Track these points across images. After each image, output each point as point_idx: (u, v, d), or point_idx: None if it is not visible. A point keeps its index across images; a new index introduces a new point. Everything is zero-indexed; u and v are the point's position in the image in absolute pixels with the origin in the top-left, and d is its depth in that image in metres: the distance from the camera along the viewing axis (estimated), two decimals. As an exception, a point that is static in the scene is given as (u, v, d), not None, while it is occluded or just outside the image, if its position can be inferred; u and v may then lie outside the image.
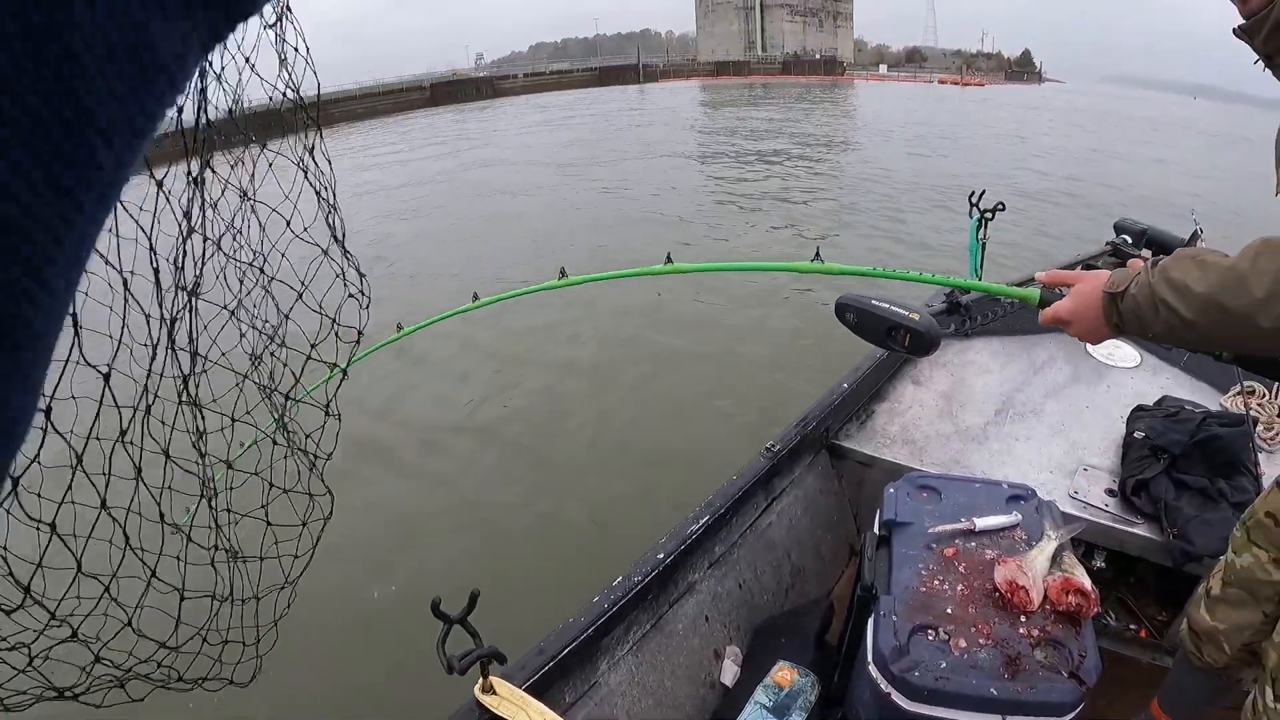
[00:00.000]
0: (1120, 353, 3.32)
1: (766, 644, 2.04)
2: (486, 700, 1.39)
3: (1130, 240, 3.27)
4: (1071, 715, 1.43)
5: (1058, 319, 1.27)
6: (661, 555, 1.91)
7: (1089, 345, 3.37)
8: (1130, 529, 2.22)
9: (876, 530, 1.80)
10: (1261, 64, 1.19)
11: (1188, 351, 3.14)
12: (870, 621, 1.60)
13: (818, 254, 1.59)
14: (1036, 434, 2.70)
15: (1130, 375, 3.16)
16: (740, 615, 2.14)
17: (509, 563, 3.66)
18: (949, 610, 1.55)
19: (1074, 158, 20.03)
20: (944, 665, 1.44)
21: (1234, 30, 1.17)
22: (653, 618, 1.89)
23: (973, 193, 2.10)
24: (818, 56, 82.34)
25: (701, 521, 2.04)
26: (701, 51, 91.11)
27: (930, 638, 1.50)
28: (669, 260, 1.70)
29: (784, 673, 1.85)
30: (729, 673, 2.00)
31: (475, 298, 2.04)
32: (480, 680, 1.41)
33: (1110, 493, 2.37)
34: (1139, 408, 2.69)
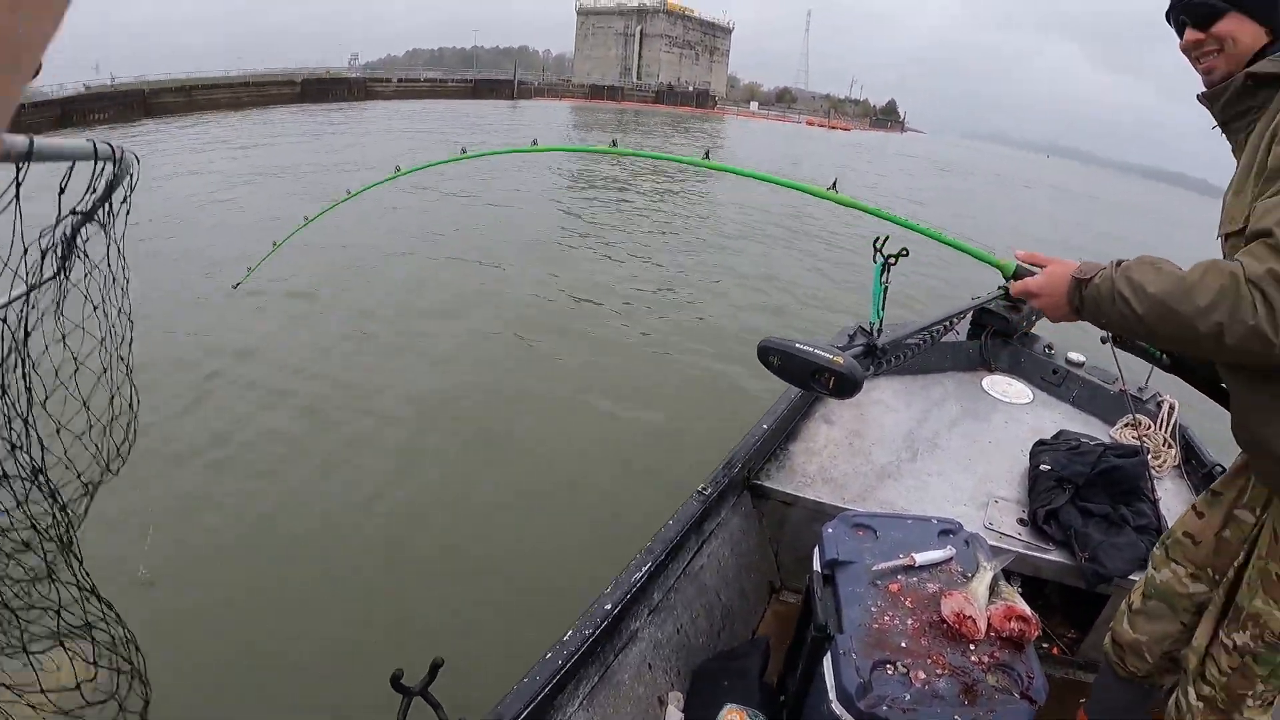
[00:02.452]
0: (1014, 390, 3.57)
1: (706, 687, 2.03)
2: None
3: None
4: None
5: (1027, 291, 1.48)
6: (609, 606, 1.88)
7: (983, 382, 3.61)
8: (1044, 555, 2.37)
9: (818, 569, 1.83)
10: (1218, 129, 1.46)
11: (1122, 348, 3.48)
12: (827, 660, 1.61)
13: (834, 185, 1.84)
14: (946, 469, 2.85)
15: (1025, 411, 3.39)
16: (679, 660, 2.14)
17: (434, 611, 3.43)
18: (903, 644, 1.60)
19: (943, 204, 21.69)
20: (908, 698, 1.47)
21: (1197, 97, 1.44)
22: (600, 670, 1.85)
23: (877, 238, 2.26)
24: (690, 89, 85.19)
25: (644, 569, 2.03)
26: (578, 73, 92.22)
27: (890, 672, 1.53)
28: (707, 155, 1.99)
29: (733, 715, 1.85)
30: (673, 719, 1.96)
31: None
32: None
33: (1021, 522, 2.53)
34: (1040, 442, 2.89)
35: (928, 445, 3.01)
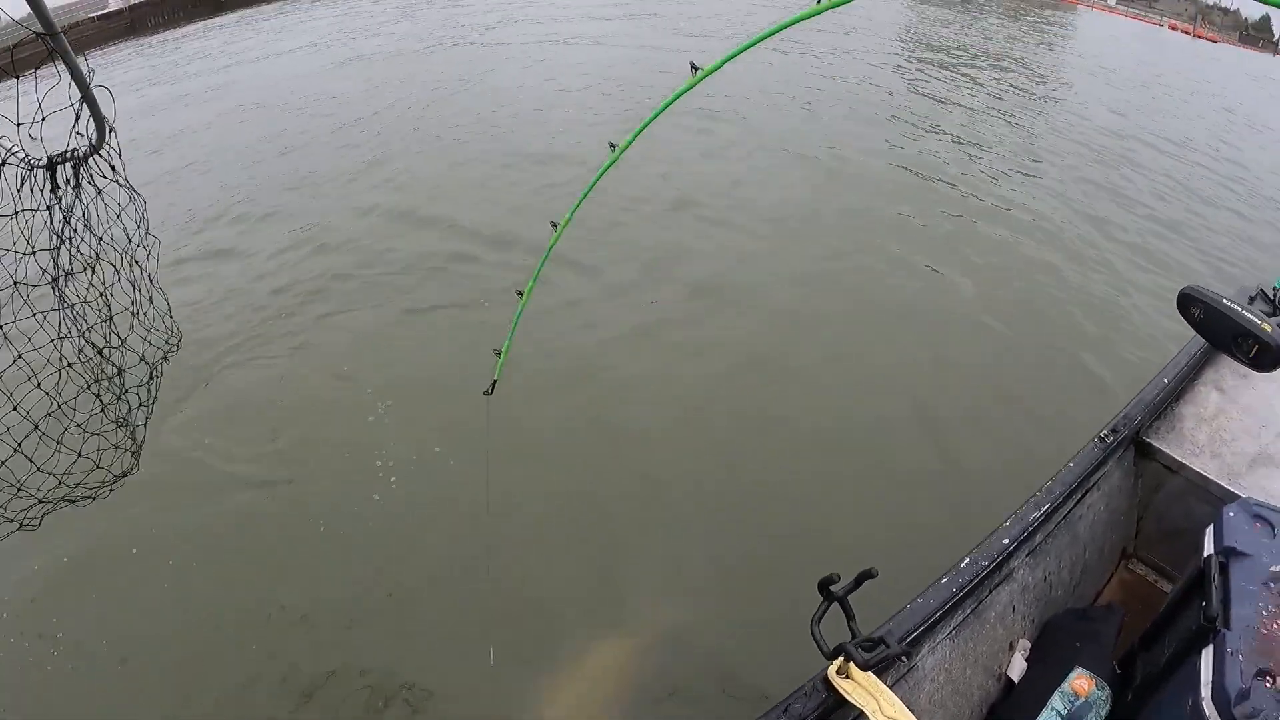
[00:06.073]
0: None
1: (1058, 642, 2.01)
2: (842, 685, 1.35)
3: None
4: None
5: None
6: (1006, 541, 1.86)
7: None
8: None
9: (1213, 553, 1.73)
10: None
11: None
12: (1207, 654, 1.55)
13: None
14: None
15: None
16: (1036, 609, 2.11)
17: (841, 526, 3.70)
18: None
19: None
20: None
21: None
22: (975, 604, 1.86)
23: None
24: (1041, -31, 74.67)
25: (1042, 509, 1.98)
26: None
27: (1268, 685, 1.46)
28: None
29: (1082, 681, 1.83)
30: (1016, 667, 1.98)
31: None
32: (839, 662, 1.38)
33: None
34: None
35: None
